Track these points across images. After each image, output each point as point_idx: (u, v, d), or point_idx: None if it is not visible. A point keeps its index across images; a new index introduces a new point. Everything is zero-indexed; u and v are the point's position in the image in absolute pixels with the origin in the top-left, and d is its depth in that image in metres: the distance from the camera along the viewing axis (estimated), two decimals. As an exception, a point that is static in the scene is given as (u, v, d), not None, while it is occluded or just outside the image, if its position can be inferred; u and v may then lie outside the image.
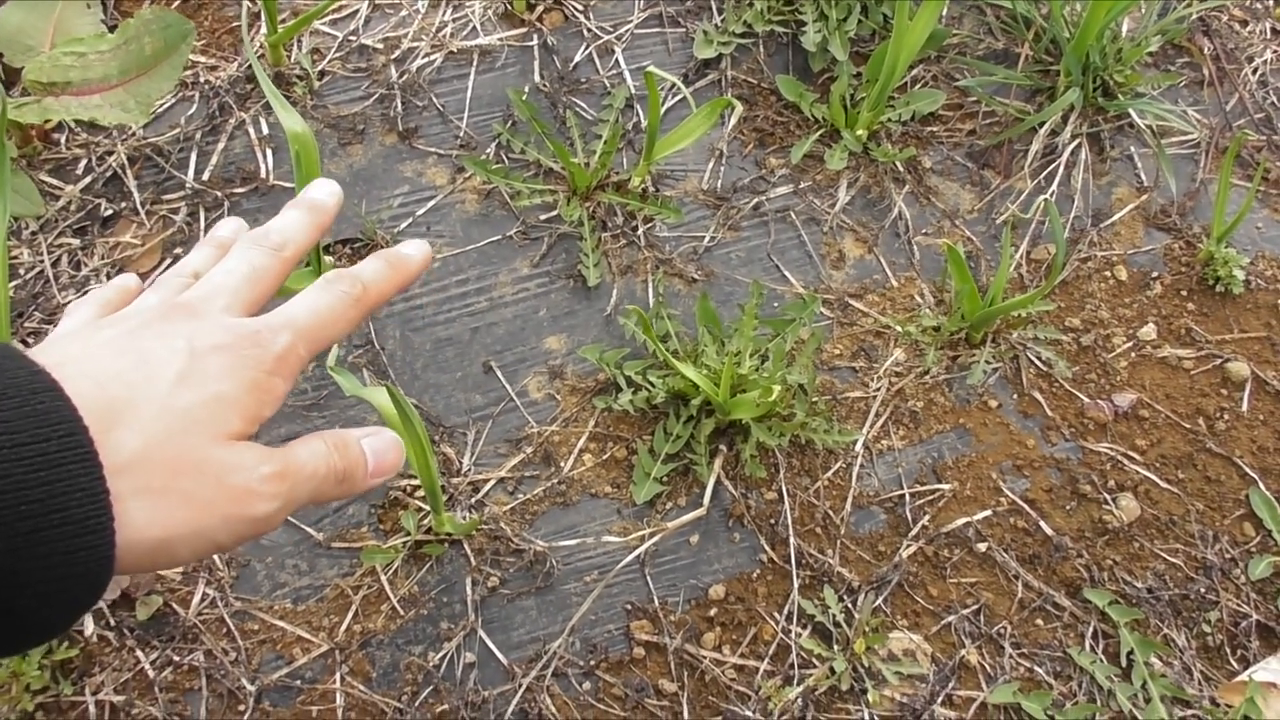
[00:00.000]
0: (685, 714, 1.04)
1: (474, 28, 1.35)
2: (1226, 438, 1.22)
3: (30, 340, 1.13)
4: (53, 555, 0.37)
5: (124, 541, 0.40)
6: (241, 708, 1.00)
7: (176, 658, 1.01)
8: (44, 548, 0.37)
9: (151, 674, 1.00)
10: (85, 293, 1.12)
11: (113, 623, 1.01)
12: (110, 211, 1.20)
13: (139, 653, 1.01)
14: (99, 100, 1.13)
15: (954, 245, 1.18)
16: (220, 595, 1.04)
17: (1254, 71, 1.44)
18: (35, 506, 0.36)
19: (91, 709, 0.98)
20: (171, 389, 0.43)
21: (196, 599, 1.03)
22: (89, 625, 1.00)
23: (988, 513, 1.16)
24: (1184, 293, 1.30)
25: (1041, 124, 1.35)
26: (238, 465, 0.44)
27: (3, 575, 0.36)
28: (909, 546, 1.13)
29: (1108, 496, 1.18)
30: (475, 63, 1.33)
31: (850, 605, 1.10)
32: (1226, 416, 1.23)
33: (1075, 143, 1.36)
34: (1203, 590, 1.14)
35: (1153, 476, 1.19)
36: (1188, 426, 1.22)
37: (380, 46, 1.32)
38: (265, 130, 1.26)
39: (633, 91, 1.33)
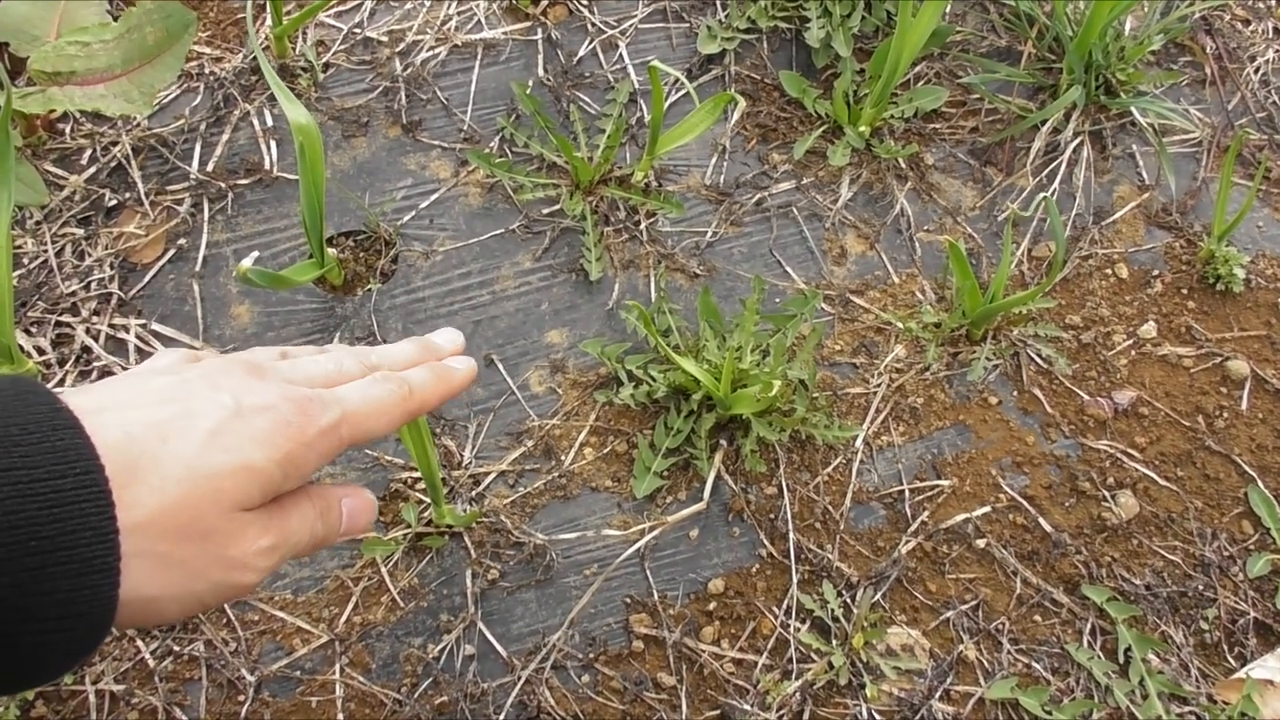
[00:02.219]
0: (683, 707, 1.04)
1: (479, 21, 1.35)
2: (1226, 436, 1.22)
3: (33, 330, 1.13)
4: (57, 592, 0.37)
5: (122, 597, 0.40)
6: (241, 698, 1.00)
7: (177, 648, 1.01)
8: (49, 584, 0.37)
9: (152, 664, 1.01)
10: (87, 283, 1.12)
11: (114, 612, 1.02)
12: (114, 202, 1.20)
13: (139, 642, 1.01)
14: (103, 90, 1.13)
15: (955, 242, 1.18)
16: (221, 585, 1.04)
17: (1256, 70, 1.44)
18: (45, 543, 0.36)
19: (92, 698, 0.98)
20: (202, 448, 0.42)
21: (197, 589, 1.04)
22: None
23: (987, 509, 1.16)
24: (1184, 291, 1.30)
25: (1044, 121, 1.35)
26: (240, 538, 0.44)
27: (6, 609, 0.36)
28: (908, 542, 1.14)
29: (1107, 493, 1.18)
30: (479, 56, 1.33)
31: (849, 600, 1.10)
32: (1226, 415, 1.23)
33: (1077, 140, 1.36)
34: (1201, 587, 1.15)
35: (1152, 474, 1.19)
36: (1187, 424, 1.22)
37: (385, 39, 1.32)
38: (270, 122, 1.26)
39: (636, 86, 1.33)
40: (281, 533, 0.47)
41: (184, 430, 0.42)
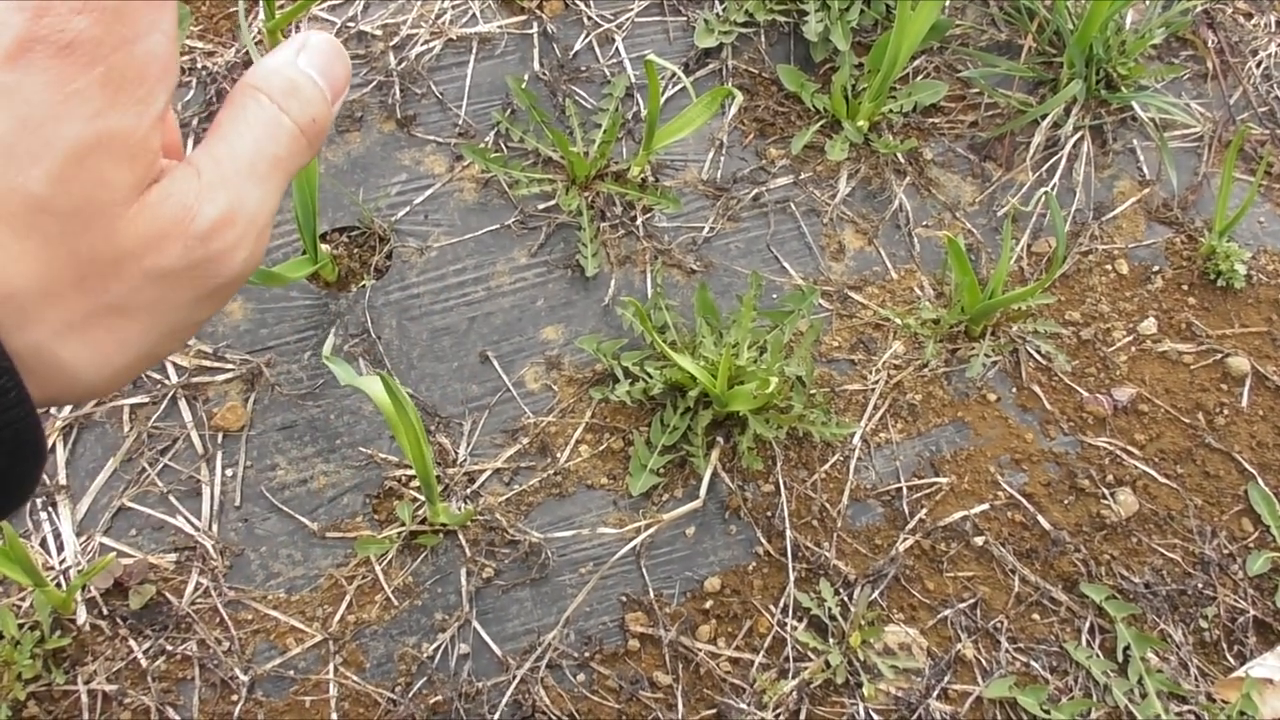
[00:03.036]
0: (680, 706, 1.04)
1: (474, 15, 1.34)
2: (1226, 433, 1.21)
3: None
4: None
5: (88, 383, 0.32)
6: (234, 698, 1.00)
7: (169, 647, 1.01)
8: None
9: (144, 663, 1.00)
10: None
11: (105, 612, 1.01)
12: (105, 197, 1.19)
13: (131, 642, 1.01)
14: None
15: (954, 237, 1.17)
16: (214, 585, 1.03)
17: (1258, 65, 1.43)
18: None
19: (84, 698, 0.98)
20: (9, 179, 0.29)
21: (190, 588, 1.03)
22: (81, 614, 1.00)
23: (985, 507, 1.15)
24: (1185, 287, 1.29)
25: (1044, 116, 1.34)
26: (161, 235, 0.31)
27: None
28: (906, 540, 1.13)
29: (1106, 491, 1.17)
30: (475, 50, 1.32)
31: (846, 599, 1.10)
32: (1226, 412, 1.22)
33: (1077, 135, 1.35)
34: (1200, 586, 1.14)
35: (1151, 471, 1.19)
36: (1187, 421, 1.22)
37: (379, 33, 1.31)
38: (262, 117, 1.25)
39: (633, 80, 1.32)
40: (227, 180, 0.32)
41: None
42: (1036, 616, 1.12)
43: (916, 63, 1.38)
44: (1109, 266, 1.29)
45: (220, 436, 1.09)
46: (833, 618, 1.08)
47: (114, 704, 0.98)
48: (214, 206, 0.31)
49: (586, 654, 1.05)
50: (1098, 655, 1.10)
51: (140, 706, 0.98)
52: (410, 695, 1.02)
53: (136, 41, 0.30)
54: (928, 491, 1.16)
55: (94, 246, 0.30)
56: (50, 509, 1.05)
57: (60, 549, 1.03)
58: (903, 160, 1.32)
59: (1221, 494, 1.19)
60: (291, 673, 1.02)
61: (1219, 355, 1.25)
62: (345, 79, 0.36)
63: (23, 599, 0.99)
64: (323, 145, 1.25)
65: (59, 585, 1.00)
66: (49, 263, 0.30)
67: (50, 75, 0.28)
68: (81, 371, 0.31)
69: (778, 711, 1.04)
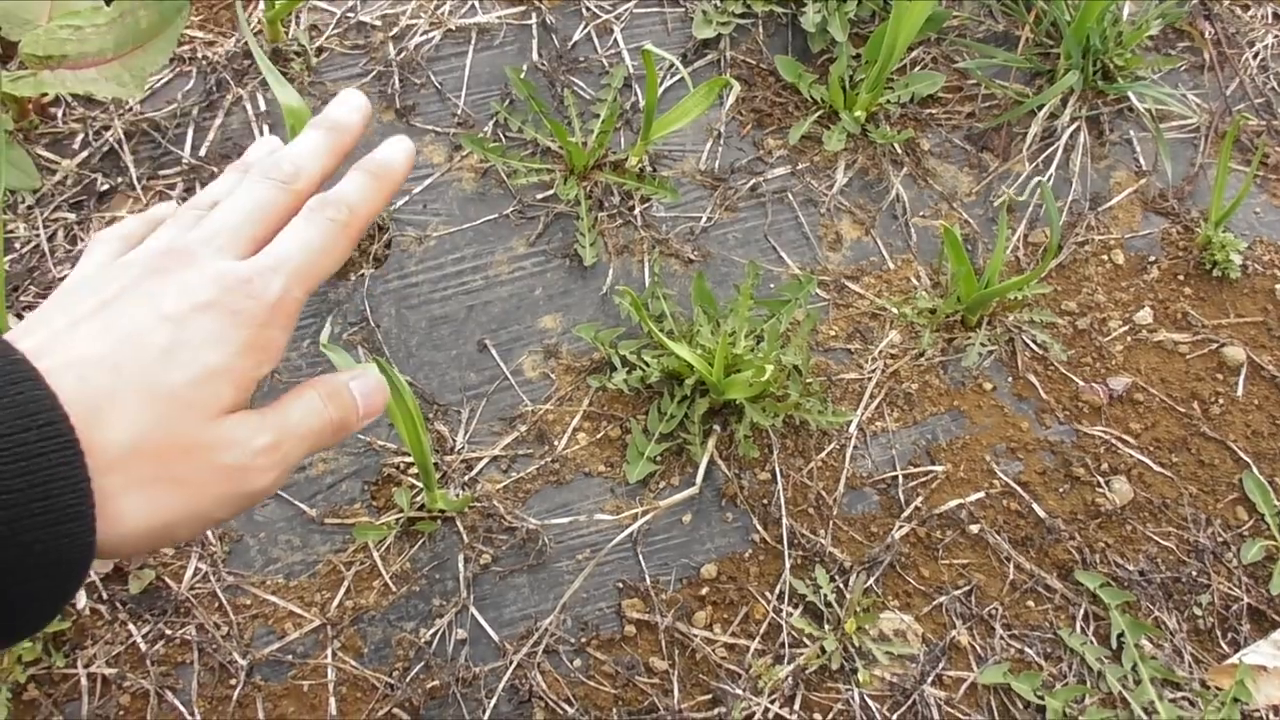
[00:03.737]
0: (675, 691, 1.04)
1: (473, 5, 1.34)
2: (1221, 422, 1.22)
3: (25, 314, 1.13)
4: (35, 544, 0.37)
5: (122, 533, 0.41)
6: (233, 681, 1.01)
7: (168, 631, 1.01)
8: (27, 537, 0.37)
9: (143, 647, 1.01)
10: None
11: (105, 596, 1.02)
12: (106, 186, 1.20)
13: (131, 626, 1.01)
14: (94, 74, 1.13)
15: (951, 227, 1.17)
16: (213, 570, 1.04)
17: (1254, 56, 1.44)
18: (16, 496, 0.37)
19: (83, 681, 0.98)
20: (158, 370, 0.42)
21: (189, 573, 1.04)
22: (82, 599, 1.01)
23: (981, 495, 1.16)
24: (1181, 277, 1.29)
25: (1040, 107, 1.34)
26: (230, 443, 0.43)
27: None
28: (901, 528, 1.14)
29: (1101, 479, 1.18)
30: (473, 41, 1.32)
31: (842, 585, 1.10)
32: (1221, 401, 1.23)
33: (1074, 126, 1.35)
34: (1194, 573, 1.14)
35: (1146, 460, 1.19)
36: (1182, 410, 1.22)
37: (378, 24, 1.32)
38: (262, 106, 1.26)
39: (631, 71, 1.32)
40: (281, 427, 0.45)
41: (134, 358, 0.42)
42: (1031, 603, 1.12)
43: (914, 54, 1.38)
44: (1105, 257, 1.30)
45: (220, 423, 1.10)
46: (828, 604, 1.09)
47: (113, 687, 0.99)
48: (267, 438, 0.45)
49: (583, 640, 1.06)
50: (1092, 642, 1.10)
51: (139, 690, 0.99)
52: (408, 680, 1.02)
53: (271, 328, 0.45)
54: (923, 480, 1.16)
55: (186, 433, 0.42)
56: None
57: (60, 534, 1.03)
58: (900, 151, 1.32)
59: (1216, 482, 1.19)
60: (290, 657, 1.02)
61: (1214, 345, 1.25)
62: (380, 407, 0.51)
63: (23, 583, 1.00)
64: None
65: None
66: (152, 432, 0.41)
67: (217, 325, 0.43)
68: (127, 520, 0.41)
69: (773, 697, 1.05)
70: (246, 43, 1.27)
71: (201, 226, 0.47)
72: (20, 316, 1.12)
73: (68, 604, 0.40)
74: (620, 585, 1.09)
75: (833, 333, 1.22)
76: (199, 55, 1.28)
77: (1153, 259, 1.30)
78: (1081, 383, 1.22)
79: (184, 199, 1.20)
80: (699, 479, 1.12)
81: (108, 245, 0.50)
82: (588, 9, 1.35)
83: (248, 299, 0.44)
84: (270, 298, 0.45)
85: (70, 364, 0.41)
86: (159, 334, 0.42)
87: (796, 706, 1.05)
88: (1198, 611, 1.13)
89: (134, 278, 0.45)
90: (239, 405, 0.44)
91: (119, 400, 0.41)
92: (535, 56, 1.32)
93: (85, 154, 1.21)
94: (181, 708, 0.99)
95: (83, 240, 1.17)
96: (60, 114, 1.23)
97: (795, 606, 1.09)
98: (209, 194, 0.51)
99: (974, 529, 1.14)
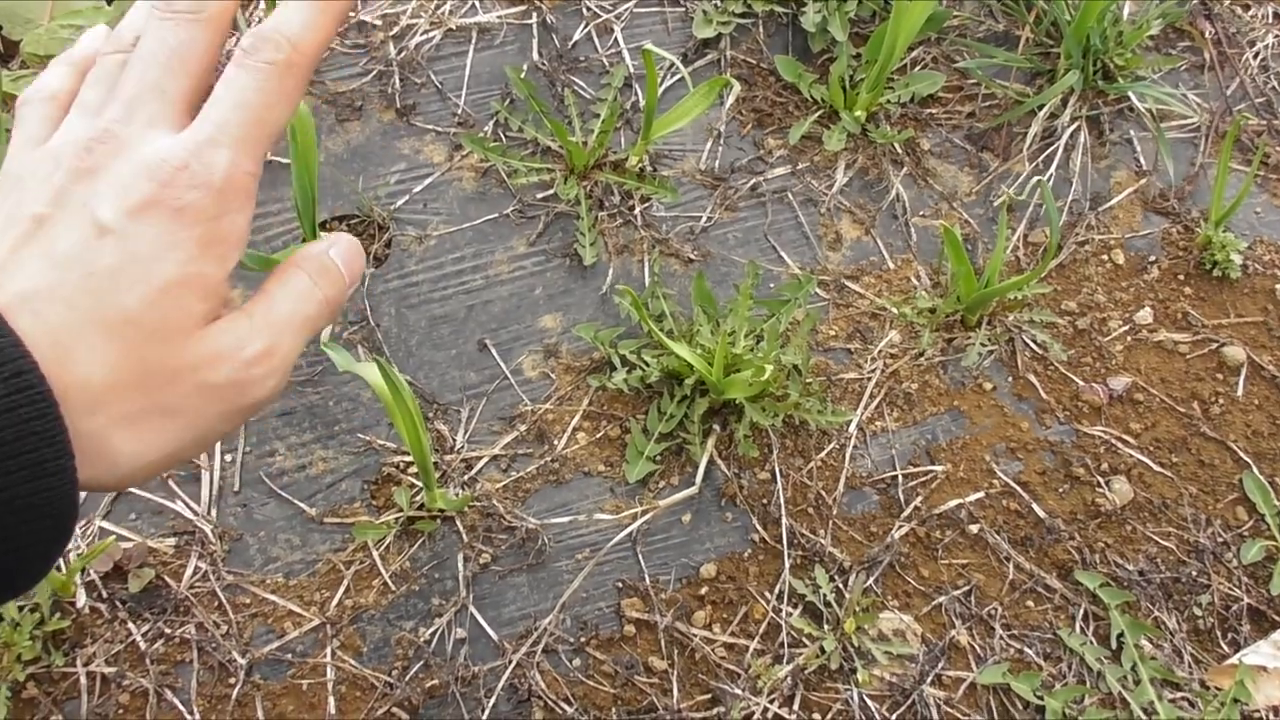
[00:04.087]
0: (675, 691, 1.04)
1: (473, 5, 1.34)
2: (1221, 422, 1.22)
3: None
4: (15, 501, 0.35)
5: (122, 473, 0.39)
6: (232, 680, 1.01)
7: (168, 630, 1.02)
8: (6, 494, 0.35)
9: (143, 646, 1.01)
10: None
11: (105, 594, 1.02)
12: (106, 186, 1.20)
13: (130, 625, 1.01)
14: (95, 74, 1.13)
15: (951, 227, 1.17)
16: (212, 568, 1.04)
17: (1255, 56, 1.44)
18: None
19: (83, 679, 0.99)
20: (110, 296, 0.37)
21: (188, 572, 1.04)
22: (81, 597, 1.01)
23: (980, 495, 1.16)
24: (1181, 277, 1.29)
25: (1041, 106, 1.34)
26: (216, 358, 0.39)
27: None
28: (901, 527, 1.14)
29: (1101, 479, 1.18)
30: (474, 40, 1.32)
31: (841, 585, 1.10)
32: (1221, 401, 1.23)
33: (1074, 126, 1.35)
34: (1194, 573, 1.14)
35: (1146, 460, 1.19)
36: (1182, 410, 1.22)
37: (379, 23, 1.32)
38: (262, 106, 1.26)
39: (631, 70, 1.32)
40: (271, 325, 0.41)
41: (83, 284, 0.37)
42: (1030, 603, 1.12)
43: (914, 53, 1.38)
44: (1105, 256, 1.30)
45: (219, 422, 1.10)
46: (828, 604, 1.09)
47: (113, 685, 0.99)
48: (259, 343, 0.40)
49: (583, 639, 1.06)
50: (1091, 642, 1.10)
51: (139, 688, 0.99)
52: (407, 679, 1.02)
53: (225, 216, 0.39)
54: (923, 479, 1.16)
55: (162, 358, 0.38)
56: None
57: (60, 533, 1.03)
58: (900, 150, 1.32)
59: (1216, 483, 1.19)
60: (289, 656, 1.02)
61: (1215, 345, 1.25)
62: (360, 272, 0.46)
63: (23, 582, 1.00)
64: (322, 135, 1.26)
65: (58, 568, 1.01)
66: (123, 364, 0.37)
67: (161, 228, 0.38)
68: (123, 458, 0.38)
69: (772, 697, 1.05)
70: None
71: (120, 93, 0.41)
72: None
73: (58, 559, 0.38)
74: (620, 585, 1.09)
75: (832, 332, 1.22)
76: None
77: (1153, 259, 1.30)
78: (1081, 383, 1.22)
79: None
80: (699, 478, 1.12)
81: (36, 111, 0.44)
82: (588, 8, 1.35)
83: (190, 189, 0.38)
84: (217, 179, 0.39)
85: (23, 299, 0.37)
86: (102, 253, 0.38)
87: (796, 706, 1.05)
88: (1198, 612, 1.13)
89: (62, 182, 0.40)
90: (215, 311, 0.40)
91: (81, 336, 0.37)
92: (535, 56, 1.32)
93: (86, 153, 1.21)
94: (181, 706, 0.99)
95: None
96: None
97: (795, 606, 1.09)
98: (130, 26, 0.45)
99: (974, 529, 1.14)
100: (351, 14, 1.32)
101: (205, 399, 0.39)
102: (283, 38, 0.41)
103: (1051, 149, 1.34)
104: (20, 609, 0.98)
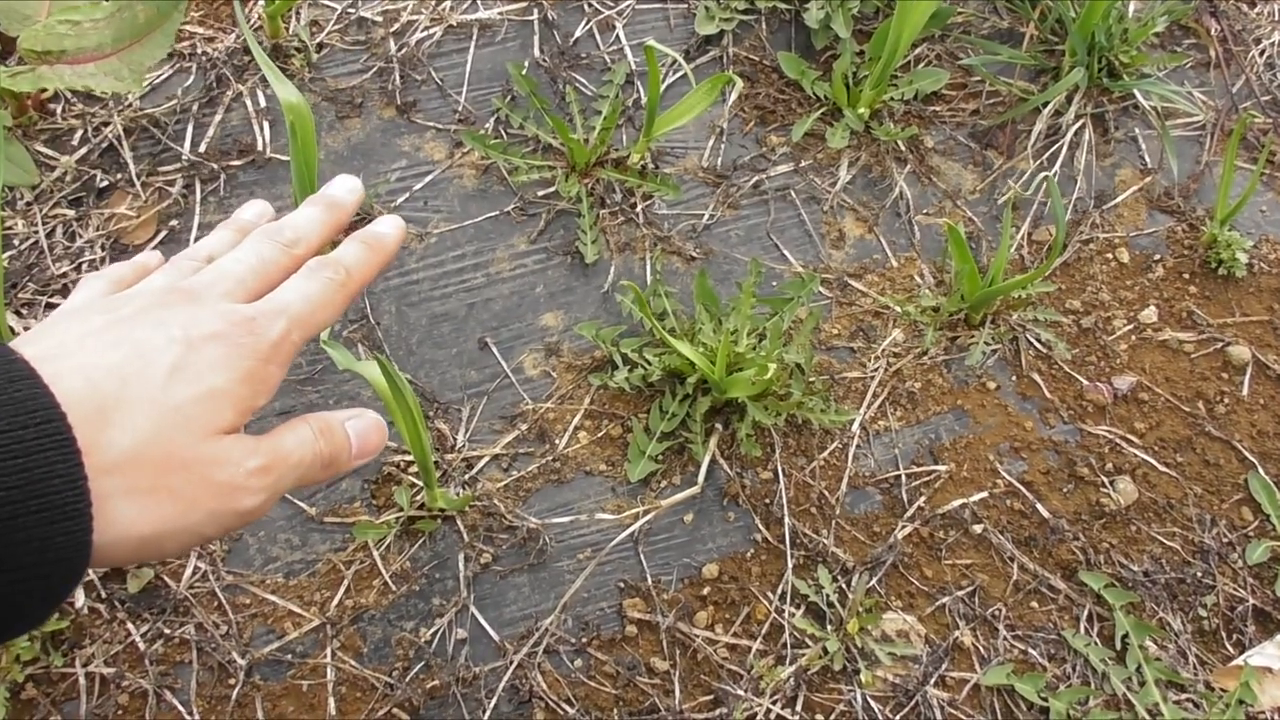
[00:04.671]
0: (677, 692, 1.04)
1: (474, 1, 1.33)
2: (1226, 422, 1.21)
3: (23, 311, 1.12)
4: (31, 540, 0.37)
5: (112, 538, 0.41)
6: (232, 681, 1.00)
7: (167, 630, 1.01)
8: (22, 534, 0.37)
9: (142, 646, 1.00)
10: (78, 264, 1.12)
11: (104, 595, 1.01)
12: (106, 183, 1.19)
13: (130, 625, 1.01)
14: (93, 69, 1.12)
15: (955, 225, 1.17)
16: (212, 569, 1.04)
17: (1261, 54, 1.43)
18: (13, 493, 0.37)
19: (82, 680, 0.98)
20: (165, 384, 0.43)
21: (188, 572, 1.03)
22: (80, 597, 1.00)
23: (984, 494, 1.15)
24: (1186, 275, 1.28)
25: (1045, 104, 1.33)
26: (225, 461, 0.45)
27: None
28: (904, 527, 1.13)
29: (1105, 479, 1.17)
30: (475, 36, 1.31)
31: (844, 586, 1.09)
32: (1227, 400, 1.22)
33: (1079, 123, 1.34)
34: (1199, 574, 1.14)
35: (1151, 460, 1.18)
36: (1187, 410, 1.21)
37: (379, 19, 1.31)
38: (263, 103, 1.25)
39: (633, 67, 1.32)
40: (274, 452, 0.47)
41: (142, 371, 0.43)
42: (1035, 604, 1.12)
43: (918, 50, 1.37)
44: (1110, 255, 1.29)
45: (219, 421, 1.09)
46: (830, 605, 1.08)
47: (112, 686, 0.98)
48: (260, 460, 0.46)
49: (584, 640, 1.05)
50: (1096, 643, 1.10)
51: (138, 689, 0.98)
52: (407, 680, 1.02)
53: (270, 365, 0.47)
54: (926, 479, 1.16)
55: (183, 447, 0.43)
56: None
57: (59, 532, 1.03)
58: (903, 148, 1.32)
59: (1221, 483, 1.18)
60: (289, 656, 1.02)
61: (1220, 344, 1.25)
62: (377, 448, 0.54)
63: (21, 582, 1.00)
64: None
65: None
66: (151, 441, 0.42)
67: (222, 353, 0.45)
68: (118, 524, 0.41)
69: (775, 698, 1.04)
70: (244, 40, 1.27)
71: (206, 273, 0.50)
72: (19, 313, 1.12)
73: (63, 603, 0.42)
74: (621, 585, 1.08)
75: (835, 331, 1.22)
76: (199, 51, 1.27)
77: (1158, 257, 1.29)
78: (1086, 382, 1.21)
79: (184, 196, 1.20)
80: (701, 478, 1.11)
81: (97, 284, 0.52)
82: (589, 5, 1.34)
83: (251, 335, 0.47)
84: (273, 336, 0.47)
85: (79, 368, 0.42)
86: (168, 352, 0.44)
87: (798, 707, 1.04)
88: (1203, 613, 1.12)
89: (143, 306, 0.47)
90: (236, 429, 0.46)
91: (123, 407, 0.42)
92: (537, 53, 1.31)
93: (84, 150, 1.21)
94: (180, 707, 0.98)
95: (81, 236, 1.16)
96: (59, 110, 1.23)
97: (797, 607, 1.09)
98: (204, 247, 0.54)
99: (977, 529, 1.14)
100: (351, 10, 1.31)
101: (203, 491, 0.44)
102: (342, 265, 0.52)
103: (1056, 147, 1.34)
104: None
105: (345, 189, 0.58)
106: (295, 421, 0.50)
